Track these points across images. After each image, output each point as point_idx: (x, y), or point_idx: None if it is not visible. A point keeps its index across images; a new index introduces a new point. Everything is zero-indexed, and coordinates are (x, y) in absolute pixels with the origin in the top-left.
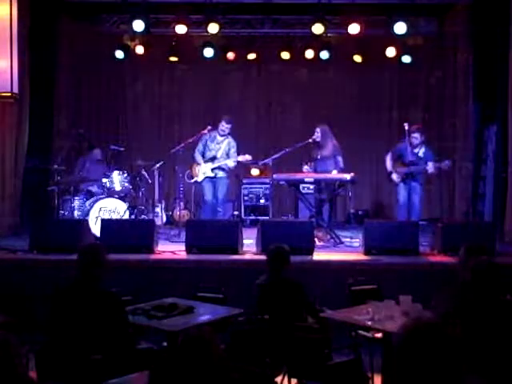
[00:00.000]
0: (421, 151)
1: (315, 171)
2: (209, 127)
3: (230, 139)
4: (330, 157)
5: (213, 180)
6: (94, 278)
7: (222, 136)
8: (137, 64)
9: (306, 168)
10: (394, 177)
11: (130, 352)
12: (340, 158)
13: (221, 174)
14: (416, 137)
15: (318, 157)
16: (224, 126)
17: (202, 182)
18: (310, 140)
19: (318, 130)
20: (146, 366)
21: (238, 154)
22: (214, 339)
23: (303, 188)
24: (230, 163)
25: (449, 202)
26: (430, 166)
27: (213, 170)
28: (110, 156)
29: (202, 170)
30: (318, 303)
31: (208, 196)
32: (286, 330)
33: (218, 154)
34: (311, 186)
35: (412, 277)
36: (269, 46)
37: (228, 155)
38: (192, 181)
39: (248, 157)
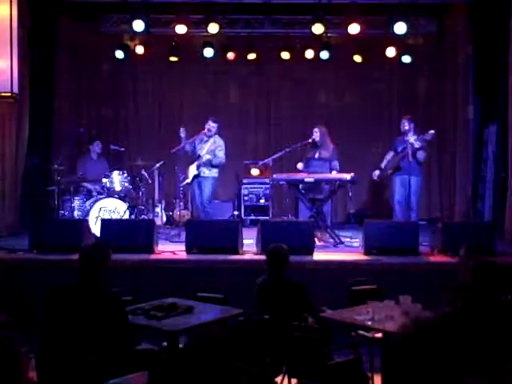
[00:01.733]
0: (412, 138)
1: (307, 170)
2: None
3: (215, 138)
4: (327, 159)
5: (199, 180)
6: (96, 277)
7: (208, 136)
8: (137, 64)
9: (300, 165)
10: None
11: (129, 352)
12: (336, 163)
13: (206, 172)
14: (404, 123)
15: (316, 156)
16: (210, 125)
17: (191, 182)
18: (310, 140)
19: (316, 129)
20: (146, 366)
21: (232, 154)
22: (223, 340)
23: (302, 188)
24: (216, 160)
25: (449, 202)
26: (416, 139)
27: (197, 168)
28: (110, 155)
29: (191, 171)
30: (318, 303)
31: (196, 197)
32: (285, 330)
33: (201, 153)
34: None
35: (412, 277)
36: (269, 46)
37: (215, 155)
38: (184, 183)
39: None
